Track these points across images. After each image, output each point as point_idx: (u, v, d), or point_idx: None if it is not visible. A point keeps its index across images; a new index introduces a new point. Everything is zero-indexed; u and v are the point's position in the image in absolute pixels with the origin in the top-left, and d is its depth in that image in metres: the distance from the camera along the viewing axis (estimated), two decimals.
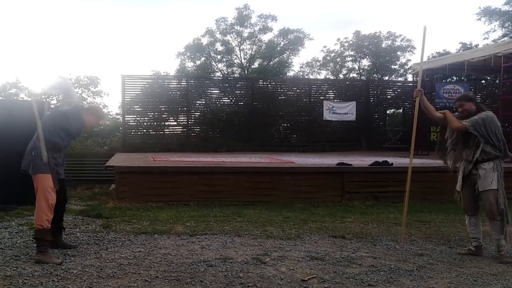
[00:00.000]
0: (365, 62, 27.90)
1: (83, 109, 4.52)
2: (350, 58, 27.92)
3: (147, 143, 13.36)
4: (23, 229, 5.22)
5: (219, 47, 27.32)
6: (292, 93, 15.07)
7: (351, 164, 8.34)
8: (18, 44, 38.39)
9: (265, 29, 27.19)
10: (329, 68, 28.88)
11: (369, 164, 8.39)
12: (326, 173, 8.03)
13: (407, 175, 5.04)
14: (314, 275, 3.79)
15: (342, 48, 27.66)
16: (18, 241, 4.66)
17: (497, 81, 16.36)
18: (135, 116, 13.72)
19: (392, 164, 8.27)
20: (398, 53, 26.60)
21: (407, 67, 26.31)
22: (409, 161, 5.28)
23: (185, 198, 7.36)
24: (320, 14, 43.49)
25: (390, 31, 30.02)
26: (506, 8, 22.15)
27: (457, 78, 18.50)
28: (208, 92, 14.35)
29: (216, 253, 4.39)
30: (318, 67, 29.22)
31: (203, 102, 14.25)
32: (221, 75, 26.01)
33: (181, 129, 14.07)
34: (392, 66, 27.16)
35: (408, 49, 26.44)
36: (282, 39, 27.46)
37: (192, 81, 14.73)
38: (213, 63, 27.73)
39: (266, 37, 27.48)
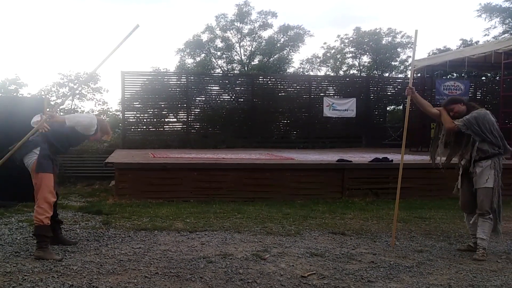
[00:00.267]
0: (365, 59, 27.82)
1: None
2: (350, 55, 27.82)
3: (147, 140, 13.37)
4: (22, 225, 5.23)
5: (219, 43, 27.25)
6: (292, 89, 15.07)
7: (351, 161, 8.35)
8: (17, 40, 38.33)
9: (265, 26, 27.09)
10: (329, 64, 28.80)
11: (369, 161, 8.40)
12: (326, 169, 8.03)
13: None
14: (314, 272, 3.79)
15: (342, 45, 27.57)
16: (18, 238, 4.66)
17: (498, 77, 16.34)
18: (135, 112, 13.74)
19: (392, 160, 8.27)
20: (399, 49, 26.49)
21: (407, 64, 26.23)
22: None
23: (185, 195, 7.37)
24: (320, 10, 43.39)
25: (390, 27, 29.95)
26: (506, 4, 22.06)
27: (458, 75, 18.47)
28: (208, 89, 14.35)
29: (216, 250, 4.39)
30: (318, 64, 29.12)
31: (203, 98, 14.26)
32: (221, 72, 25.96)
33: (181, 126, 14.09)
34: (392, 63, 27.07)
35: (408, 46, 26.33)
36: (282, 36, 27.37)
37: (192, 77, 14.71)
38: (213, 60, 27.66)
39: (266, 34, 27.40)
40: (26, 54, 37.94)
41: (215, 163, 8.10)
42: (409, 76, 21.96)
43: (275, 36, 27.33)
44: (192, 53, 27.34)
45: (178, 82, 14.39)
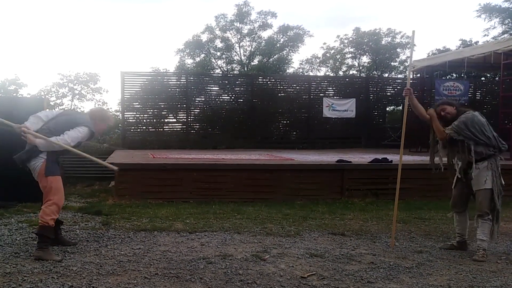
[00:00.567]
0: (365, 59, 27.83)
1: (91, 123, 4.43)
2: (350, 55, 27.82)
3: (146, 140, 13.35)
4: (22, 226, 5.23)
5: (218, 44, 27.25)
6: (292, 90, 15.06)
7: (350, 161, 8.34)
8: (17, 40, 38.31)
9: (264, 26, 27.09)
10: (329, 65, 28.80)
11: (369, 161, 8.39)
12: (325, 170, 8.03)
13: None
14: (314, 272, 3.79)
15: (341, 45, 27.57)
16: (18, 238, 4.66)
17: (497, 78, 16.33)
18: (134, 113, 13.72)
19: (391, 161, 8.26)
20: (398, 50, 26.50)
21: (406, 64, 26.21)
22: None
23: (185, 195, 7.36)
24: (320, 11, 43.42)
25: (390, 28, 29.96)
26: (506, 5, 22.07)
27: (457, 75, 18.48)
28: (208, 89, 14.34)
29: (216, 250, 4.39)
30: (317, 64, 29.13)
31: (203, 99, 14.24)
32: (220, 72, 25.97)
33: (180, 126, 14.08)
34: (392, 63, 27.08)
35: (408, 46, 26.33)
36: (281, 36, 27.37)
37: (191, 78, 14.70)
38: (213, 60, 27.66)
39: (265, 34, 27.41)
40: (25, 55, 37.98)
41: (214, 163, 8.09)
42: None
43: (275, 36, 27.34)
44: (191, 53, 27.34)
45: (178, 83, 14.38)
